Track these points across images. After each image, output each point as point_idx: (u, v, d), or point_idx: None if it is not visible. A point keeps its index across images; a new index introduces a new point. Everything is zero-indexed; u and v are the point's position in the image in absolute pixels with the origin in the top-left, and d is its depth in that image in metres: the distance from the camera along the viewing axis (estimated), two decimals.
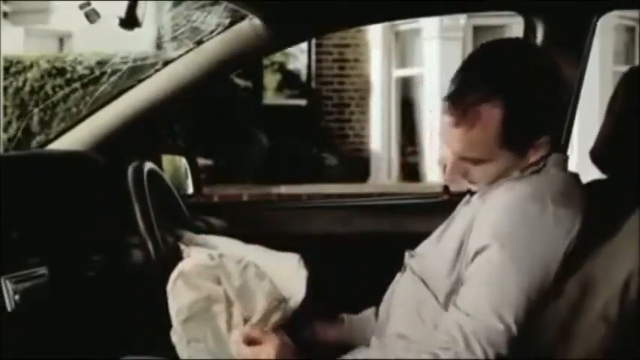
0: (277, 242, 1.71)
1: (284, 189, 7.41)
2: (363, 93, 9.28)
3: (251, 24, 2.01)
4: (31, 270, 1.62)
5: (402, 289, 1.56)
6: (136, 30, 1.76)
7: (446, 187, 2.12)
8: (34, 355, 1.61)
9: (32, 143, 6.57)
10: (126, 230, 1.70)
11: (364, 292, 1.64)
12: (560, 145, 1.92)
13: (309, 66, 9.37)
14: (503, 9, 2.23)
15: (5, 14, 8.22)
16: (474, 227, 1.42)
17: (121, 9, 1.73)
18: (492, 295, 1.34)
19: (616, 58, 8.10)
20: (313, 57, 9.25)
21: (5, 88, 7.16)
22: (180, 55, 2.08)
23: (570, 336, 1.28)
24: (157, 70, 2.08)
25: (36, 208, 1.73)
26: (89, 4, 1.81)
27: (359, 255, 2.11)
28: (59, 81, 7.24)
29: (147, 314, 1.64)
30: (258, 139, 8.46)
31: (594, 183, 1.53)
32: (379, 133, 9.19)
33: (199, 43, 2.08)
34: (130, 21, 1.72)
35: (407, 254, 1.60)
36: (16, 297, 1.57)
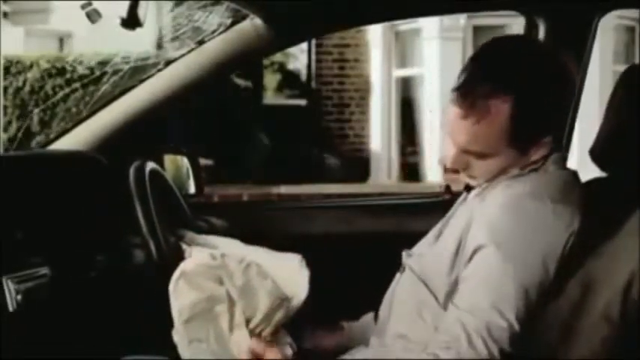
0: (278, 242, 1.71)
1: (284, 189, 7.41)
2: (363, 93, 9.28)
3: (252, 24, 2.00)
4: (33, 270, 1.62)
5: (402, 290, 1.56)
6: (137, 30, 1.76)
7: (447, 187, 2.13)
8: (36, 355, 1.61)
9: (32, 143, 6.57)
10: (128, 230, 1.70)
11: (365, 292, 1.64)
12: (561, 145, 1.93)
13: (309, 66, 9.37)
14: (504, 8, 2.23)
15: (5, 14, 8.22)
16: (472, 226, 1.42)
17: (122, 9, 1.73)
18: (491, 293, 1.34)
19: (616, 58, 8.10)
20: (313, 57, 9.25)
21: (5, 88, 7.16)
22: (182, 55, 2.08)
23: (572, 335, 1.28)
24: (159, 70, 2.08)
25: (38, 208, 1.73)
26: (90, 4, 1.81)
27: (360, 255, 2.11)
28: (59, 81, 7.24)
29: (149, 314, 1.64)
30: (259, 139, 8.46)
31: (594, 181, 1.53)
32: (379, 133, 9.19)
33: (201, 43, 2.08)
34: (131, 21, 1.72)
35: (404, 254, 1.60)
36: (18, 297, 1.56)
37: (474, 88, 1.39)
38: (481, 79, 1.40)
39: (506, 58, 1.43)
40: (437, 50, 8.53)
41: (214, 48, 2.05)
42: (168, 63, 2.09)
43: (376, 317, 1.64)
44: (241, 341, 1.49)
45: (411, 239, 1.63)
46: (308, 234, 2.19)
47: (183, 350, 1.50)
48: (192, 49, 2.08)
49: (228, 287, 1.51)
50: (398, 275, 1.60)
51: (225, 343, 1.49)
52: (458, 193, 1.68)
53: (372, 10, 2.10)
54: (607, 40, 7.80)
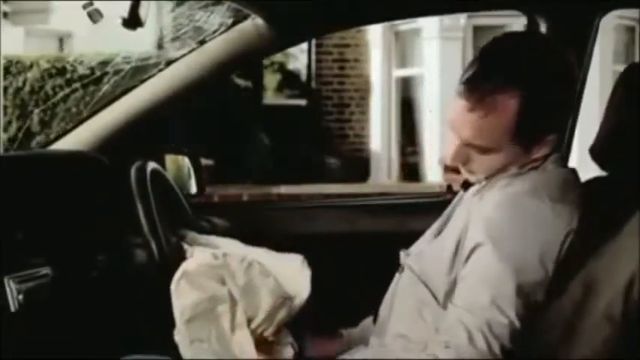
0: (279, 242, 1.71)
1: (284, 189, 7.41)
2: (363, 93, 9.28)
3: (254, 24, 2.00)
4: (35, 270, 1.62)
5: (402, 289, 1.56)
6: (137, 30, 1.76)
7: (449, 187, 2.13)
8: (38, 355, 1.61)
9: (32, 143, 6.57)
10: (129, 230, 1.70)
11: (366, 291, 1.63)
12: (561, 145, 1.93)
13: (309, 66, 9.38)
14: (506, 8, 2.23)
15: (5, 14, 8.22)
16: (470, 225, 1.42)
17: (122, 9, 1.73)
18: (490, 290, 1.34)
19: (616, 58, 8.10)
20: (313, 57, 9.25)
21: (5, 88, 7.16)
22: (183, 55, 2.08)
23: (574, 336, 1.28)
24: (160, 70, 2.08)
25: (39, 208, 1.73)
26: (92, 4, 1.81)
27: (361, 254, 2.11)
28: (59, 81, 7.24)
29: (150, 314, 1.64)
30: (259, 138, 8.46)
31: (594, 180, 1.53)
32: (379, 133, 9.20)
33: (202, 42, 2.08)
34: (132, 21, 1.72)
35: (402, 254, 1.60)
36: (20, 297, 1.56)
37: (483, 81, 1.39)
38: (490, 74, 1.39)
39: (516, 54, 1.42)
40: (437, 50, 8.54)
41: (215, 48, 2.05)
42: (169, 63, 2.09)
43: (376, 317, 1.64)
44: (243, 341, 1.49)
45: (413, 239, 1.63)
46: (309, 234, 2.19)
47: (184, 350, 1.50)
48: (194, 49, 2.08)
49: (230, 287, 1.51)
50: (397, 275, 1.60)
51: (226, 343, 1.49)
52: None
53: (372, 10, 2.10)
54: (607, 40, 7.80)
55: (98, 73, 5.29)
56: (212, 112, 7.46)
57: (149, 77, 2.09)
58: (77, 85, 6.85)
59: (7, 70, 7.18)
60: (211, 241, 1.75)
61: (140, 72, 2.29)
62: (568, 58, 1.45)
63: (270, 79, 9.86)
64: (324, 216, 2.27)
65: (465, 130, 1.42)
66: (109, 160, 1.96)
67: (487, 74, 1.39)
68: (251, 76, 8.96)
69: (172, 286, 1.50)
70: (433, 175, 8.30)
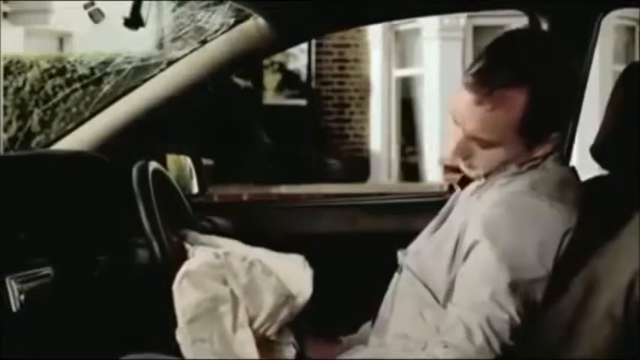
0: (280, 241, 1.71)
1: (284, 189, 7.41)
2: (363, 93, 9.28)
3: (255, 23, 2.00)
4: (36, 270, 1.62)
5: (401, 289, 1.55)
6: (136, 30, 1.76)
7: (451, 187, 2.12)
8: (39, 355, 1.61)
9: (32, 143, 6.57)
10: (131, 230, 1.70)
11: (367, 292, 1.63)
12: (563, 145, 1.93)
13: (309, 66, 9.38)
14: (507, 7, 2.22)
15: (5, 14, 8.22)
16: (469, 225, 1.42)
17: (122, 9, 1.73)
18: (489, 286, 1.33)
19: (616, 58, 8.10)
20: (313, 57, 9.26)
21: (5, 88, 7.17)
22: (185, 55, 2.08)
23: (575, 335, 1.28)
24: (162, 70, 2.08)
25: (41, 208, 1.73)
26: (93, 4, 1.81)
27: (363, 254, 2.11)
28: (59, 81, 7.24)
29: (152, 314, 1.64)
30: (260, 138, 8.46)
31: (595, 180, 1.53)
32: (379, 133, 9.20)
33: (203, 42, 2.08)
34: (134, 21, 1.72)
35: (400, 253, 1.60)
36: (22, 297, 1.57)
37: (492, 75, 1.39)
38: (500, 68, 1.39)
39: (526, 50, 1.42)
40: (437, 50, 8.54)
41: (217, 48, 2.05)
42: (170, 63, 2.09)
43: (375, 317, 1.63)
44: (245, 341, 1.49)
45: (414, 239, 1.63)
46: (309, 233, 2.19)
47: (186, 350, 1.50)
48: (195, 49, 2.08)
49: (232, 286, 1.51)
50: (396, 275, 1.60)
51: (228, 343, 1.49)
52: None
53: (372, 10, 2.10)
54: (607, 40, 7.80)
55: (98, 73, 5.30)
56: (212, 112, 7.46)
57: (150, 77, 2.09)
58: (77, 85, 6.85)
59: (7, 70, 7.18)
60: (213, 241, 1.74)
61: (141, 72, 2.29)
62: (574, 57, 1.46)
63: (270, 79, 9.86)
64: (329, 215, 2.27)
65: (471, 123, 1.41)
66: (110, 160, 1.96)
67: (496, 68, 1.39)
68: (251, 76, 8.96)
69: (174, 286, 1.50)
70: (433, 175, 8.31)
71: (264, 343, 1.53)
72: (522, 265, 1.34)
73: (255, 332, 1.50)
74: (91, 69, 6.28)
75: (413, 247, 1.59)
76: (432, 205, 1.68)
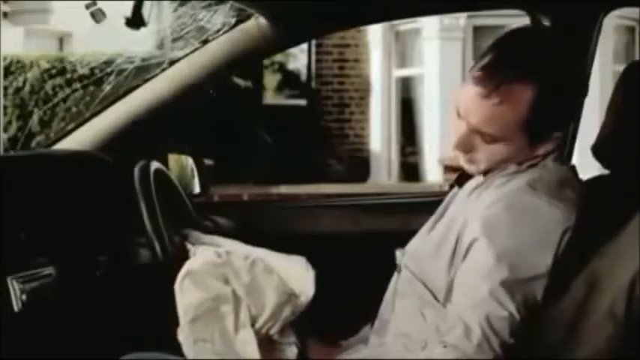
0: (282, 241, 1.71)
1: (284, 189, 7.41)
2: (363, 93, 9.28)
3: (257, 23, 2.01)
4: (38, 270, 1.62)
5: (401, 289, 1.55)
6: (133, 29, 1.76)
7: (452, 187, 2.12)
8: (41, 354, 1.61)
9: (32, 143, 6.57)
10: (133, 230, 1.70)
11: (367, 292, 1.63)
12: (564, 144, 1.93)
13: (309, 66, 9.38)
14: (509, 7, 2.23)
15: (5, 14, 8.23)
16: (468, 224, 1.42)
17: (122, 9, 1.73)
18: (488, 283, 1.34)
19: (616, 58, 8.10)
20: (313, 57, 9.26)
21: (5, 88, 7.16)
22: (186, 55, 2.08)
23: (577, 335, 1.28)
24: (163, 70, 2.08)
25: (42, 208, 1.73)
26: (95, 4, 1.81)
27: (364, 254, 2.11)
28: (59, 81, 7.24)
29: (154, 314, 1.64)
30: (261, 138, 8.46)
31: (596, 179, 1.53)
32: (379, 133, 9.20)
33: (205, 42, 2.08)
34: (136, 20, 1.72)
35: (398, 253, 1.60)
36: (23, 297, 1.57)
37: (500, 69, 1.39)
38: (509, 63, 1.39)
39: (535, 47, 1.42)
40: (437, 50, 8.54)
41: (218, 48, 2.05)
42: (172, 63, 2.09)
43: (375, 317, 1.64)
44: (246, 341, 1.49)
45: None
46: (315, 233, 2.19)
47: (188, 350, 1.50)
48: (197, 49, 2.08)
49: (234, 286, 1.51)
50: (395, 275, 1.60)
51: (230, 343, 1.49)
52: None
53: (373, 10, 2.10)
54: (607, 40, 7.79)
55: (99, 73, 5.29)
56: (212, 112, 7.46)
57: (152, 77, 2.09)
58: (77, 85, 6.85)
59: (7, 70, 7.18)
60: (214, 241, 1.74)
61: (143, 72, 2.29)
62: (580, 58, 1.46)
63: (270, 79, 9.86)
64: (331, 215, 2.27)
65: (476, 117, 1.41)
66: (112, 160, 1.96)
67: (506, 63, 1.39)
68: (251, 76, 8.96)
69: (176, 286, 1.50)
70: (433, 175, 8.31)
71: (265, 343, 1.53)
72: (521, 262, 1.35)
73: (258, 332, 1.50)
74: (92, 69, 6.28)
75: (410, 246, 1.59)
76: (433, 205, 1.68)
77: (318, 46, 9.13)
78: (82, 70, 6.85)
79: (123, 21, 1.80)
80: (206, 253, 1.58)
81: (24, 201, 1.70)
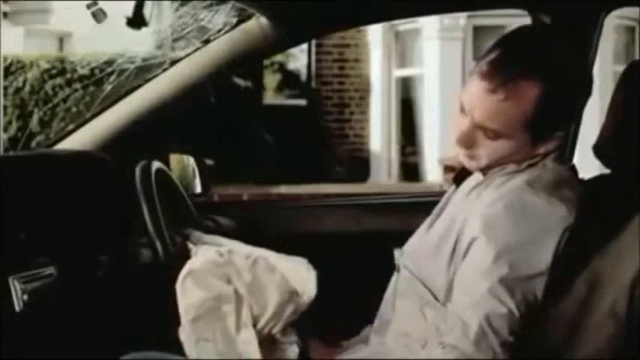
0: (283, 241, 1.71)
1: (284, 189, 7.42)
2: (363, 93, 9.29)
3: (258, 23, 2.01)
4: (39, 270, 1.62)
5: (401, 288, 1.55)
6: (134, 29, 1.76)
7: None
8: (42, 355, 1.61)
9: (32, 143, 6.57)
10: (134, 230, 1.70)
11: (371, 291, 1.63)
12: (564, 144, 1.93)
13: (309, 66, 9.38)
14: (510, 7, 2.23)
15: (5, 14, 8.23)
16: (467, 224, 1.42)
17: (124, 9, 1.73)
18: (487, 282, 1.34)
19: (616, 58, 8.10)
20: (313, 57, 9.26)
21: (5, 88, 7.17)
22: (188, 55, 2.08)
23: (578, 334, 1.28)
24: (165, 70, 2.08)
25: (44, 208, 1.73)
26: (96, 4, 1.81)
27: (364, 254, 2.11)
28: (59, 81, 7.24)
29: (155, 314, 1.64)
30: (261, 138, 8.47)
31: (598, 178, 1.53)
32: (379, 133, 9.21)
33: (206, 42, 2.08)
34: (137, 20, 1.72)
35: (397, 253, 1.59)
36: (24, 297, 1.57)
37: (508, 65, 1.38)
38: (517, 59, 1.39)
39: (543, 45, 1.43)
40: (437, 50, 8.55)
41: (220, 47, 2.05)
42: (173, 63, 2.09)
43: (374, 316, 1.64)
44: (248, 341, 1.49)
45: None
46: (312, 233, 2.19)
47: (189, 349, 1.50)
48: (198, 49, 2.08)
49: (236, 285, 1.51)
50: (395, 274, 1.60)
51: (231, 342, 1.49)
52: None
53: (373, 10, 2.10)
54: (607, 40, 7.79)
55: (99, 73, 5.29)
56: (212, 112, 7.46)
57: (153, 77, 2.09)
58: (77, 85, 6.85)
59: (7, 70, 7.18)
60: (216, 241, 1.74)
61: (144, 72, 2.29)
62: (590, 57, 1.46)
63: (270, 79, 9.86)
64: (327, 215, 2.27)
65: (481, 111, 1.40)
66: (113, 160, 1.96)
67: (513, 59, 1.39)
68: (251, 76, 8.96)
69: (178, 285, 1.50)
70: (433, 175, 8.32)
71: (267, 343, 1.53)
72: (521, 260, 1.35)
73: (260, 331, 1.50)
74: (92, 69, 6.29)
75: (408, 246, 1.59)
76: (433, 205, 1.68)
77: (318, 46, 9.13)
78: (82, 71, 6.85)
79: (124, 21, 1.80)
80: (208, 253, 1.58)
81: (25, 201, 1.69)
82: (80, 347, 1.67)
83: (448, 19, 8.19)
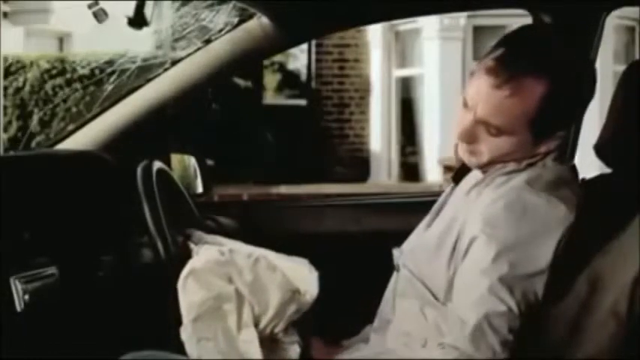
0: (284, 241, 1.71)
1: (284, 189, 7.42)
2: (363, 93, 9.29)
3: (259, 23, 2.01)
4: (41, 270, 1.62)
5: (401, 288, 1.55)
6: (135, 29, 1.76)
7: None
8: (44, 354, 1.61)
9: (32, 143, 6.57)
10: (135, 230, 1.70)
11: (371, 291, 1.64)
12: (565, 144, 1.93)
13: (309, 66, 9.38)
14: (510, 6, 2.23)
15: (5, 14, 8.23)
16: (467, 223, 1.42)
17: (124, 9, 1.73)
18: (487, 280, 1.34)
19: (616, 58, 8.10)
20: (313, 57, 9.26)
21: (5, 88, 7.16)
22: (189, 55, 2.08)
23: (580, 333, 1.29)
24: (166, 70, 2.08)
25: (45, 208, 1.73)
26: (97, 4, 1.81)
27: (365, 253, 2.11)
28: (59, 81, 7.24)
29: (156, 313, 1.65)
30: (262, 138, 8.46)
31: (598, 178, 1.54)
32: (379, 133, 9.20)
33: (207, 42, 2.08)
34: (138, 20, 1.73)
35: (395, 252, 1.60)
36: (26, 297, 1.57)
37: (514, 61, 1.39)
38: (522, 56, 1.40)
39: (550, 44, 1.43)
40: (437, 50, 8.54)
41: (221, 47, 2.05)
42: (174, 62, 2.09)
43: (374, 316, 1.64)
44: (249, 340, 1.49)
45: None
46: (313, 233, 2.19)
47: (190, 348, 1.50)
48: (199, 49, 2.08)
49: (237, 284, 1.51)
50: (395, 274, 1.60)
51: (232, 342, 1.49)
52: None
53: (374, 10, 2.10)
54: (607, 40, 7.79)
55: (98, 73, 5.29)
56: (212, 112, 7.46)
57: (155, 77, 2.09)
58: (77, 85, 6.85)
59: (7, 71, 7.18)
60: (217, 241, 1.75)
61: (145, 71, 2.30)
62: (593, 59, 1.46)
63: (270, 79, 9.86)
64: (334, 214, 2.27)
65: (484, 107, 1.40)
66: (115, 160, 1.96)
67: (520, 56, 1.39)
68: (251, 76, 8.96)
69: (179, 284, 1.50)
70: (433, 175, 8.31)
71: (268, 343, 1.53)
72: (520, 259, 1.35)
73: (262, 331, 1.51)
74: (92, 69, 6.29)
75: (407, 245, 1.59)
76: (433, 205, 1.68)
77: (318, 46, 9.13)
78: (83, 71, 6.86)
79: (125, 21, 1.80)
80: (209, 252, 1.58)
81: (26, 201, 1.70)
82: (81, 347, 1.67)
83: (448, 19, 8.19)
